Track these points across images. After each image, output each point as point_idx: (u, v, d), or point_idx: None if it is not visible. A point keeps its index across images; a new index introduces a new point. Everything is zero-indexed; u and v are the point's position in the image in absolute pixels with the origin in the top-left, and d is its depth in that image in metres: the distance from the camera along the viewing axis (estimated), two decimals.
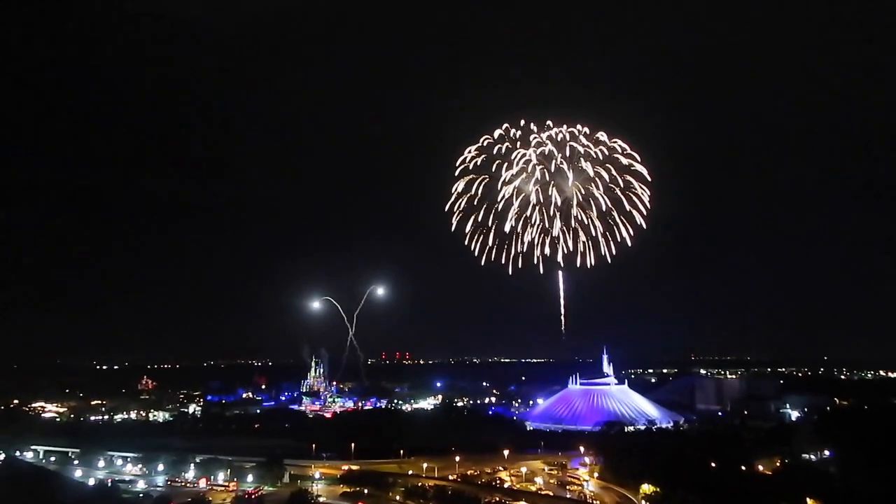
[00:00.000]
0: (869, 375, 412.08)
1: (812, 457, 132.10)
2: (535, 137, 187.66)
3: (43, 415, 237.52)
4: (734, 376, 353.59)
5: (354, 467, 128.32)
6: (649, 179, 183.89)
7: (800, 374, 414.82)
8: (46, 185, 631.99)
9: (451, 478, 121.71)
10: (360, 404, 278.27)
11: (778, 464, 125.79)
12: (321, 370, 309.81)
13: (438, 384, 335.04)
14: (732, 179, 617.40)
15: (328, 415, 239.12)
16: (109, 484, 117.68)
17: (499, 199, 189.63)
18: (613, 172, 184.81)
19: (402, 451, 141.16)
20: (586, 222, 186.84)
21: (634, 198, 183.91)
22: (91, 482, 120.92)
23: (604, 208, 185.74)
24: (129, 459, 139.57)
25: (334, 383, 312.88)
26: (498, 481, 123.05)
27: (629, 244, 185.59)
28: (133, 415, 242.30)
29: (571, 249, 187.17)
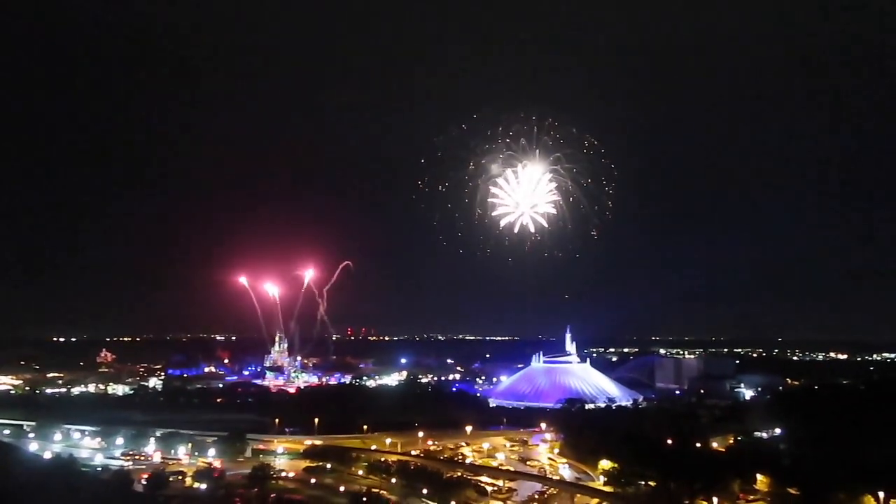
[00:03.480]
0: (819, 357, 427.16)
1: (764, 434, 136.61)
2: (504, 129, 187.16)
3: None
4: (692, 356, 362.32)
5: (318, 442, 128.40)
6: (615, 173, 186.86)
7: (755, 355, 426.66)
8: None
9: (413, 453, 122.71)
10: (324, 380, 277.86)
11: (731, 441, 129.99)
12: (285, 345, 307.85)
13: (403, 360, 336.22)
14: (691, 168, 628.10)
15: (292, 390, 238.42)
16: (66, 457, 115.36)
17: (466, 190, 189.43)
18: (581, 165, 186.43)
19: (365, 427, 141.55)
20: (553, 213, 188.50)
21: (600, 191, 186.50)
22: (47, 455, 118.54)
23: (570, 200, 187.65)
24: (86, 433, 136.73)
25: (298, 358, 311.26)
26: (460, 457, 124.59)
27: (595, 236, 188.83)
28: (91, 388, 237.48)
29: (539, 239, 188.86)
